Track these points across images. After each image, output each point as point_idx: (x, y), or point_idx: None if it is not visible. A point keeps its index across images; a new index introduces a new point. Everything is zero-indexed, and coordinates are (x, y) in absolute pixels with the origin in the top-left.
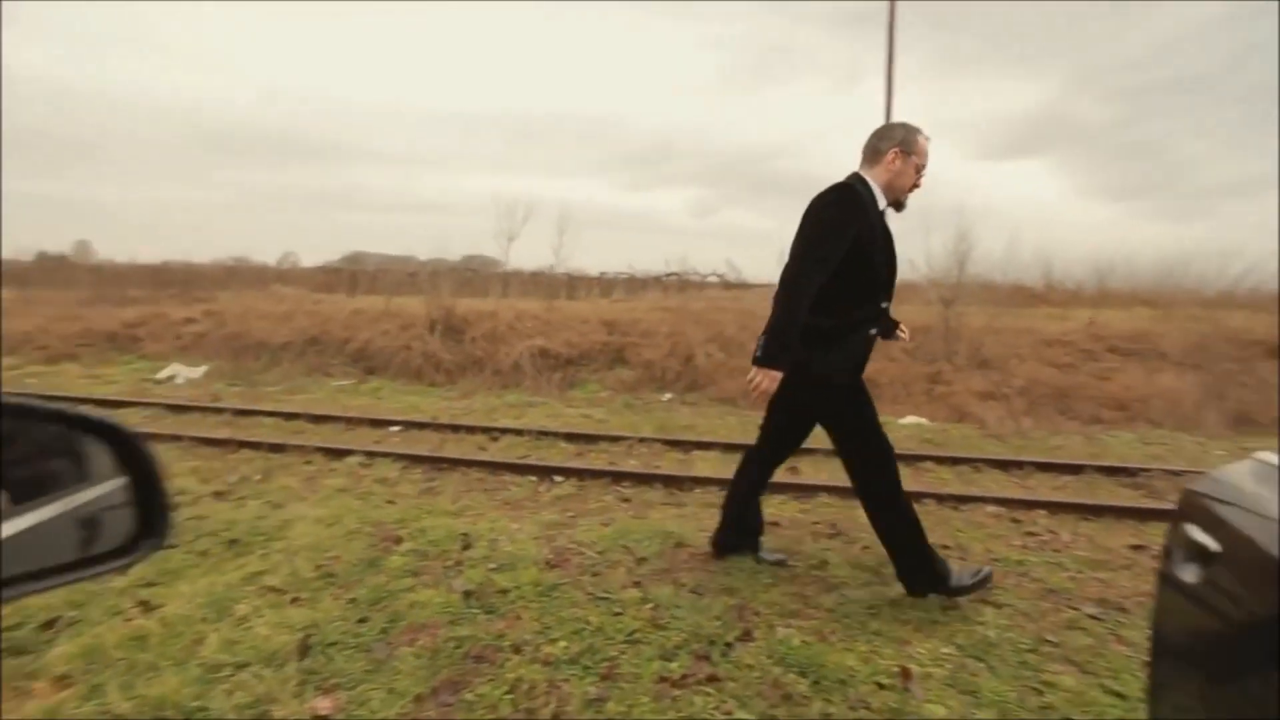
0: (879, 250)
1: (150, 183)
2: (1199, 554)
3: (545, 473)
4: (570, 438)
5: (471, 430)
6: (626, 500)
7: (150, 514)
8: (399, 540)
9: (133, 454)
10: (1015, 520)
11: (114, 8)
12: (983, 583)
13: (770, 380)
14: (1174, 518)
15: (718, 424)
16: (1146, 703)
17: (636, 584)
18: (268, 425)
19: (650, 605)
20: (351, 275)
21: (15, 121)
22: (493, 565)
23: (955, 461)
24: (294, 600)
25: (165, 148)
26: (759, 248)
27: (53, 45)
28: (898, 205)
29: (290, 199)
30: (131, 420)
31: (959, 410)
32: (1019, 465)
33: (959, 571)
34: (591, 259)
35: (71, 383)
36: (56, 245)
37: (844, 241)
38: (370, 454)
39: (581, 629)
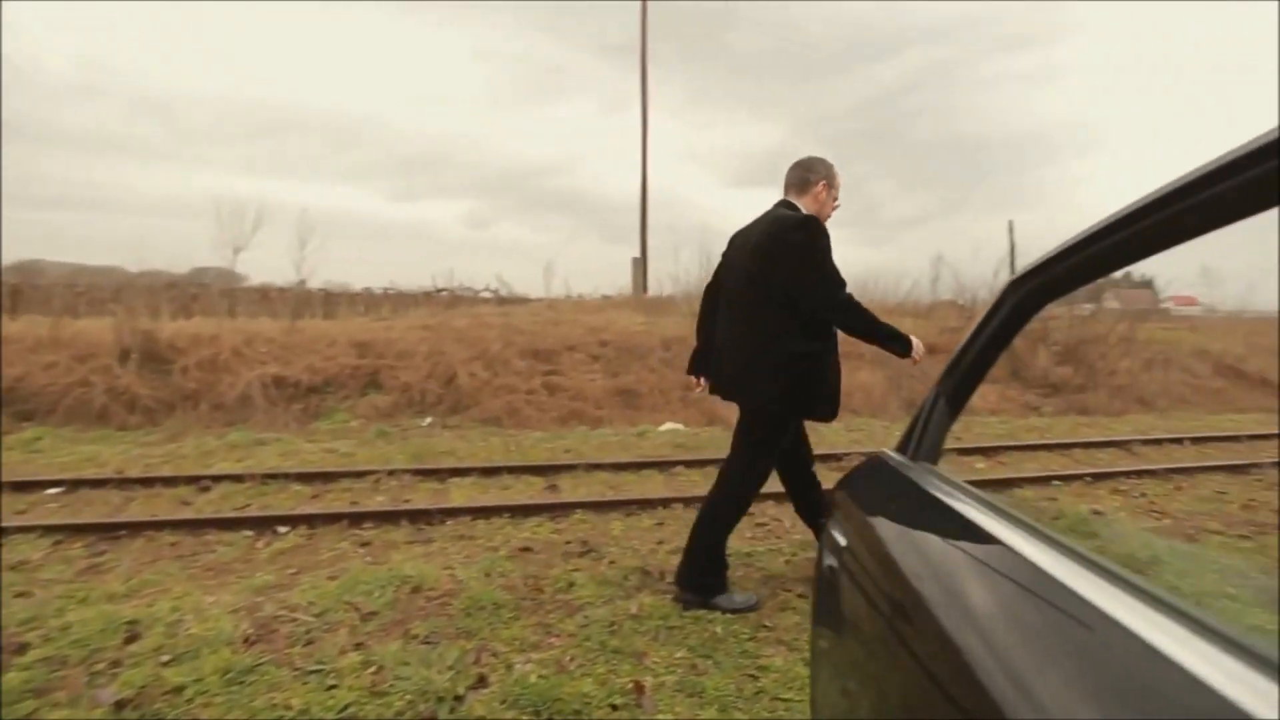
0: None
1: None
2: (834, 548)
3: (266, 524)
4: (306, 478)
5: (171, 482)
6: (365, 545)
7: None
8: (23, 649)
9: None
10: (749, 514)
11: None
12: (749, 609)
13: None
14: (827, 514)
15: (480, 447)
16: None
17: (359, 646)
18: None
19: (372, 669)
20: (14, 290)
21: None
22: (166, 657)
23: (704, 463)
24: None
25: None
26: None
27: None
28: None
29: None
30: None
31: (710, 414)
32: None
33: (731, 594)
34: (354, 273)
35: None
36: None
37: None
38: (2, 531)
39: (279, 718)
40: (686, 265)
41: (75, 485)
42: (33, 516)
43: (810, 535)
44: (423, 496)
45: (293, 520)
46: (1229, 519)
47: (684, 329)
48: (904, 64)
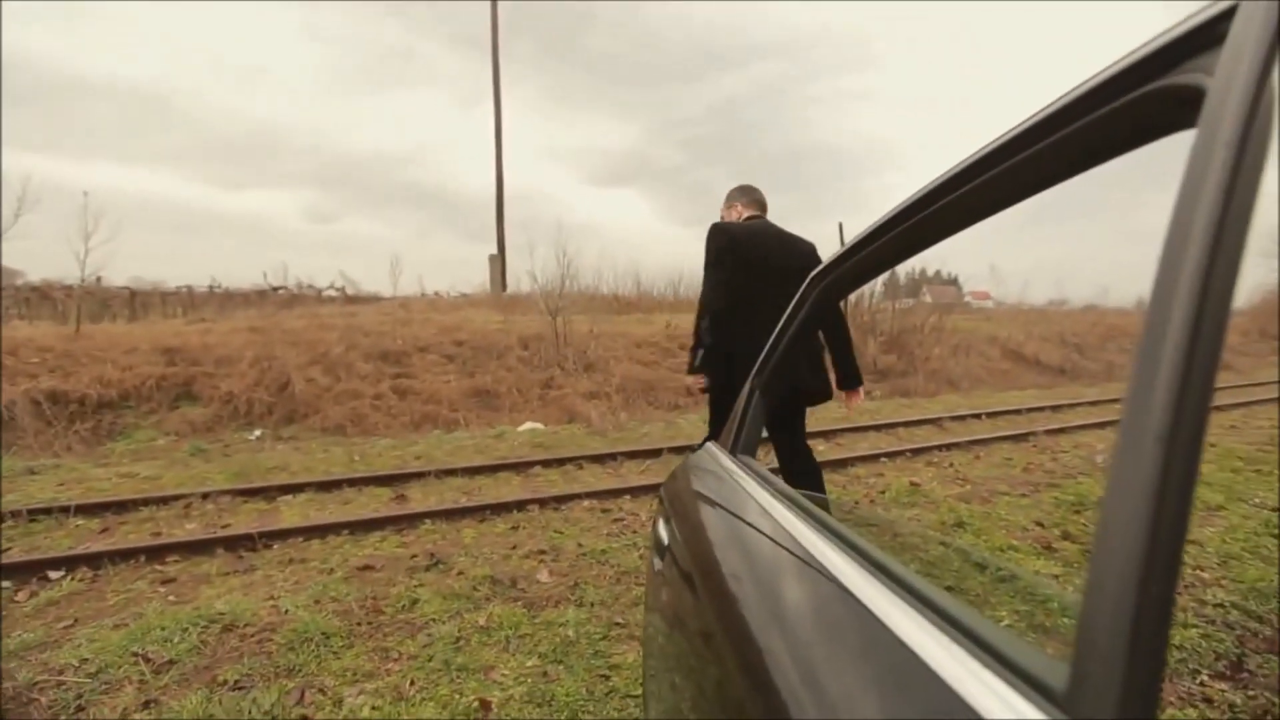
0: None
1: None
2: (658, 544)
3: (35, 570)
4: (92, 509)
5: None
6: (169, 581)
7: None
8: None
9: None
10: (605, 510)
11: None
12: None
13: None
14: (657, 508)
15: (318, 460)
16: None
17: (147, 704)
18: None
19: None
20: None
21: None
22: None
23: (561, 462)
24: None
25: None
26: (385, 259)
27: None
28: None
29: None
30: None
31: (569, 411)
32: (613, 457)
33: None
34: (172, 270)
35: None
36: None
37: None
38: None
39: None
40: (544, 262)
41: None
42: None
43: (640, 531)
44: (245, 519)
45: (70, 562)
46: (1014, 481)
47: (543, 326)
48: (749, 75)
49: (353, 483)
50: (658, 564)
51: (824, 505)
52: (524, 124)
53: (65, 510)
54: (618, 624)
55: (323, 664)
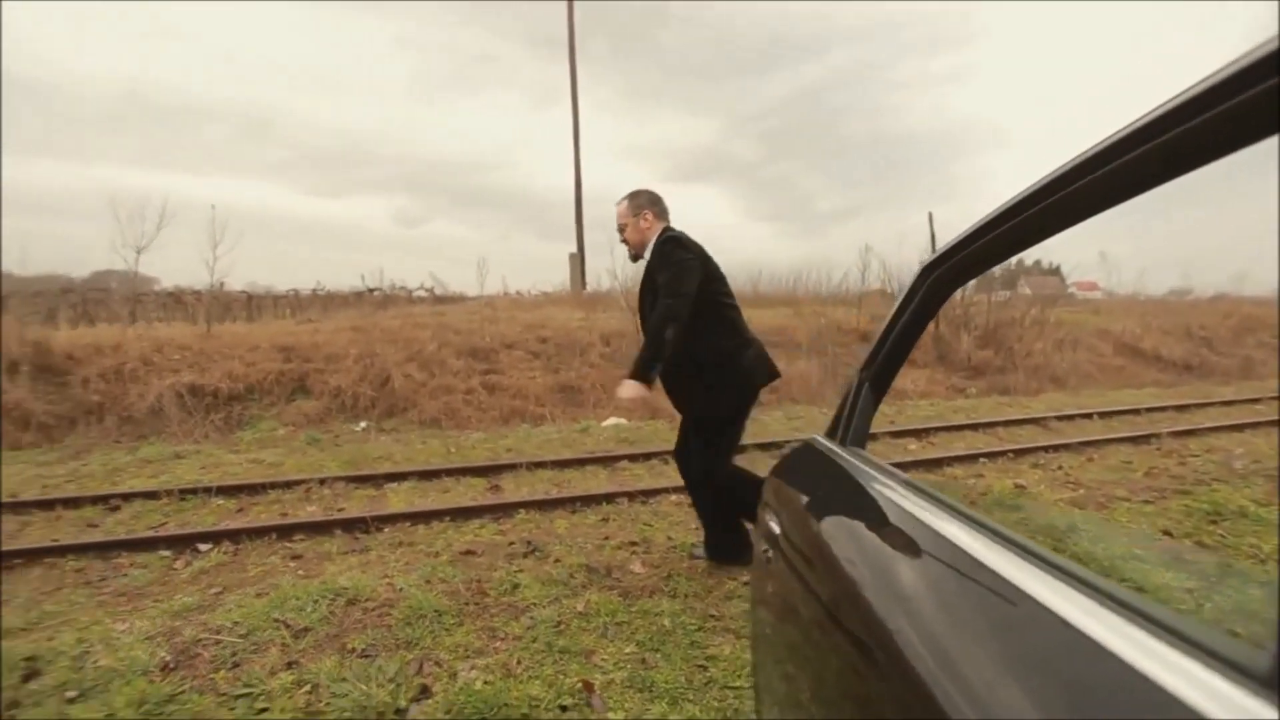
0: None
1: None
2: (768, 535)
3: (186, 543)
4: (229, 491)
5: (76, 503)
6: (297, 558)
7: None
8: None
9: None
10: (693, 505)
11: None
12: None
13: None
14: (761, 503)
15: (418, 450)
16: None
17: (290, 665)
18: None
19: (306, 688)
20: None
21: None
22: (73, 693)
23: (647, 457)
24: None
25: None
26: (468, 260)
27: None
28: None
29: None
30: None
31: (651, 407)
32: None
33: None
34: (279, 274)
35: None
36: None
37: None
38: None
39: None
40: (624, 261)
41: None
42: None
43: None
44: (358, 504)
45: (215, 537)
46: (1134, 486)
47: (623, 323)
48: (829, 63)
49: (450, 473)
50: (766, 556)
51: (945, 488)
52: (601, 124)
53: (208, 490)
54: (712, 616)
55: (437, 639)
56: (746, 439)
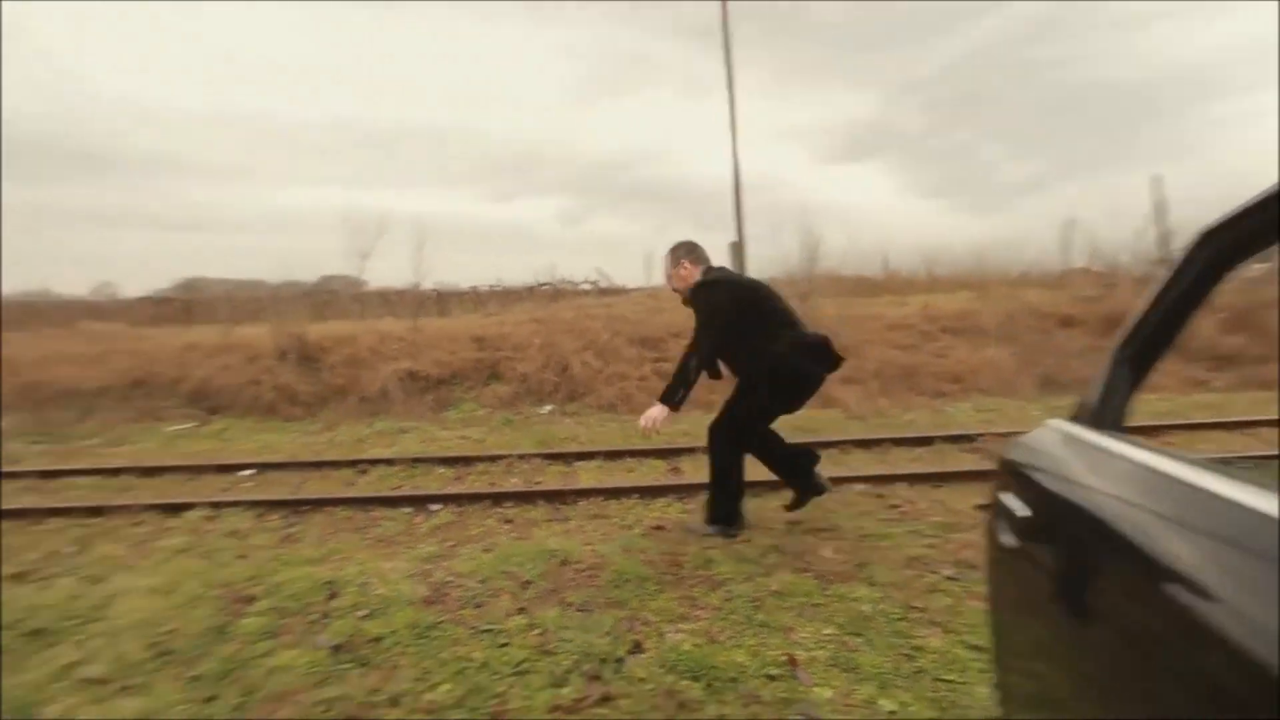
0: None
1: None
2: (1011, 519)
3: (420, 503)
4: (446, 462)
5: (336, 465)
6: (509, 522)
7: None
8: (251, 600)
9: None
10: (879, 495)
11: None
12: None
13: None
14: (994, 486)
15: (599, 432)
16: (992, 658)
17: (521, 610)
18: (83, 486)
19: (537, 631)
20: (185, 305)
21: None
22: (363, 612)
23: (825, 445)
24: (123, 689)
25: None
26: (629, 254)
27: None
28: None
29: (101, 219)
30: None
31: (824, 396)
32: (879, 443)
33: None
34: (460, 273)
35: None
36: None
37: None
38: (216, 505)
39: (465, 668)
40: (787, 247)
41: (263, 468)
42: (236, 493)
43: (922, 519)
44: (553, 479)
45: (443, 499)
46: None
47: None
48: (1013, 11)
49: (633, 454)
50: (1009, 541)
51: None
52: (755, 109)
53: (431, 460)
54: (915, 608)
55: (643, 602)
56: (927, 430)
